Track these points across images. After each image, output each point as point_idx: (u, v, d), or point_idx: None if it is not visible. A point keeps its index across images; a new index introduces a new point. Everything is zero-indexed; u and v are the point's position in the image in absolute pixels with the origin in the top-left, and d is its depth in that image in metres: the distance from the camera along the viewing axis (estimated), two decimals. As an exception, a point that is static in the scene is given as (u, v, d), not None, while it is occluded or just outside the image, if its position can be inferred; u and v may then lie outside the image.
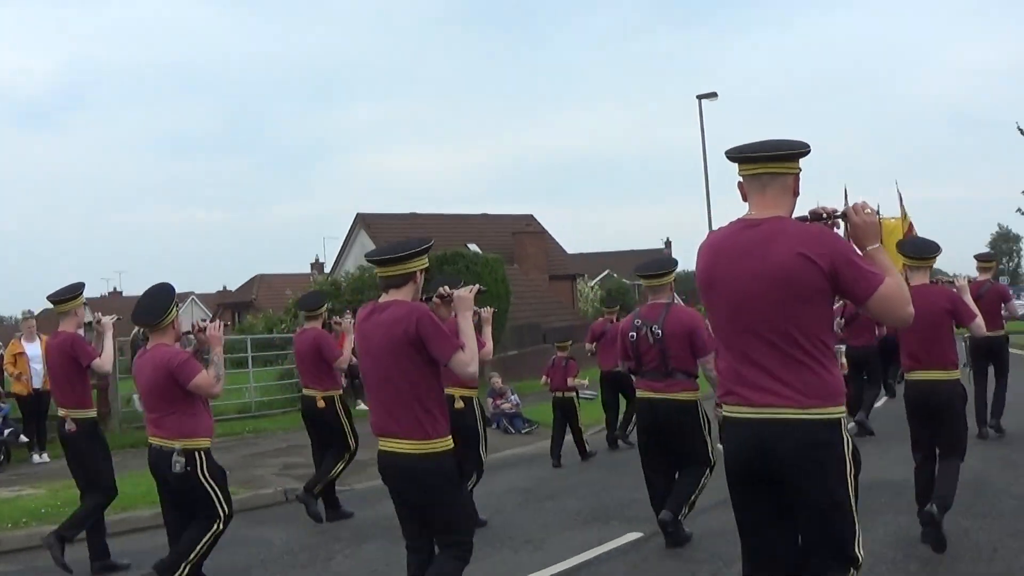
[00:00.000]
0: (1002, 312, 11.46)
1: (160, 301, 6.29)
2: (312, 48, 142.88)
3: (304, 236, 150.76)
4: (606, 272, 61.22)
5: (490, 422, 13.03)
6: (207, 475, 6.20)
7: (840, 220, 3.94)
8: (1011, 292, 12.89)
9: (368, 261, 5.17)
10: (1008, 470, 9.65)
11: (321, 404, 9.06)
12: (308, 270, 56.32)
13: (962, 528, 7.18)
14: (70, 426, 7.38)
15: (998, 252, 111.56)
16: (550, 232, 46.95)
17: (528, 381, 25.13)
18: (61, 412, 7.56)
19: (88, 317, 7.82)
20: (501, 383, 16.18)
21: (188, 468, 6.09)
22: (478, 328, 6.58)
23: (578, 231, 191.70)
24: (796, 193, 3.84)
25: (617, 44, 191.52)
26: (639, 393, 7.44)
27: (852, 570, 3.68)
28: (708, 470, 7.24)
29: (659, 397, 7.14)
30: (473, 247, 25.74)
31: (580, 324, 36.26)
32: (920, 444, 6.95)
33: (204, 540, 6.17)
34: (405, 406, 4.71)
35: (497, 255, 26.37)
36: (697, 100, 31.59)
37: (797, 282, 3.61)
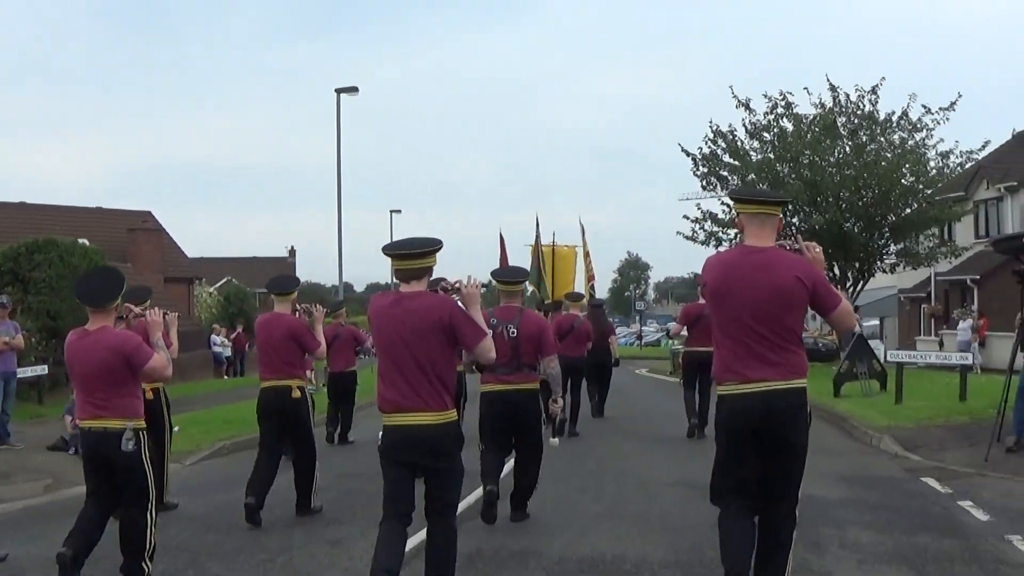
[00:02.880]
0: None
1: (115, 284, 6.36)
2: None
3: None
4: (227, 279, 60.10)
5: (68, 446, 12.53)
6: (146, 454, 6.31)
7: (796, 253, 5.41)
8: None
9: (388, 254, 5.62)
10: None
11: (297, 394, 8.73)
12: None
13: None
14: None
15: (625, 279, 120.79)
16: (170, 233, 45.52)
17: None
18: None
19: None
20: None
21: (136, 447, 6.18)
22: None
23: (202, 236, 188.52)
24: (779, 231, 5.49)
25: (257, 50, 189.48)
26: (489, 387, 8.22)
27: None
28: (540, 455, 8.45)
29: (512, 388, 8.11)
30: (84, 241, 24.20)
31: (195, 330, 35.39)
32: None
33: (148, 532, 6.25)
34: (430, 383, 5.43)
35: (97, 247, 24.40)
36: (336, 94, 30.35)
37: (792, 295, 5.17)
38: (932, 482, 10.25)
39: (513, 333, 8.10)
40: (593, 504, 9.16)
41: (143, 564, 6.22)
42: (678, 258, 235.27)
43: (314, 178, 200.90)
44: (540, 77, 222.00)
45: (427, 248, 5.60)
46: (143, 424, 6.36)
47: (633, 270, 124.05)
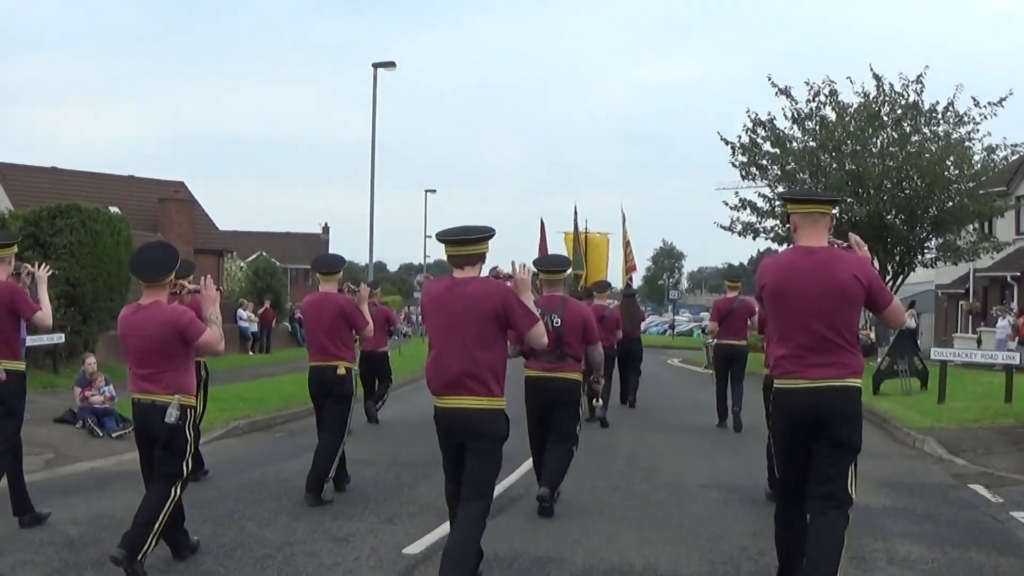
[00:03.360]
0: (748, 324, 13.43)
1: (169, 259, 6.36)
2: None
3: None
4: (259, 253, 59.98)
5: (76, 419, 12.20)
6: (191, 431, 6.26)
7: (847, 250, 5.48)
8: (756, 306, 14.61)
9: (442, 240, 5.65)
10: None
11: (342, 371, 8.67)
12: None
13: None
14: (1, 375, 7.12)
15: (659, 268, 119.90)
16: (202, 204, 45.22)
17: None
18: None
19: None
20: (95, 368, 12.81)
21: (180, 421, 6.12)
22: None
23: (235, 208, 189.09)
24: (831, 230, 5.54)
25: (299, 25, 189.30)
26: (532, 372, 8.22)
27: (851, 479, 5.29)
28: (575, 446, 8.38)
29: (554, 376, 8.14)
30: (115, 210, 23.73)
31: (223, 303, 34.93)
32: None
33: (166, 508, 6.07)
34: (479, 368, 5.47)
35: (123, 215, 23.75)
36: (373, 68, 29.52)
37: (850, 293, 5.25)
38: (981, 489, 9.71)
39: (557, 322, 8.07)
40: (621, 506, 8.66)
41: (148, 538, 5.95)
42: (713, 248, 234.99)
43: (350, 155, 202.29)
44: (576, 62, 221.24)
45: (481, 235, 5.66)
46: (192, 401, 6.29)
47: (667, 259, 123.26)
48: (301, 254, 75.78)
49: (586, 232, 31.62)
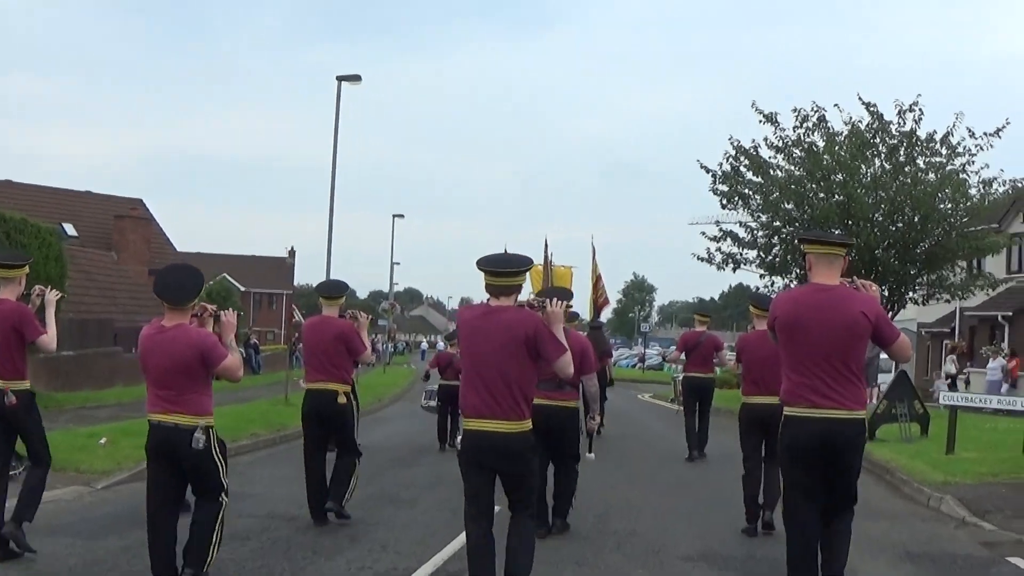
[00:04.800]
0: (714, 359, 14.52)
1: (195, 281, 6.43)
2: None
3: None
4: (221, 275, 58.32)
5: None
6: (218, 451, 6.32)
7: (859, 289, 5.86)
8: (723, 342, 15.96)
9: (484, 270, 5.89)
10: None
11: (343, 400, 8.81)
12: None
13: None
14: (11, 399, 7.12)
15: (630, 300, 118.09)
16: (162, 225, 43.56)
17: (88, 391, 21.92)
18: None
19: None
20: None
21: (207, 445, 6.19)
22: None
23: (202, 231, 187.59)
24: (844, 270, 5.96)
25: (274, 49, 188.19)
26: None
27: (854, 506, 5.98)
28: (576, 467, 8.87)
29: (553, 404, 8.24)
30: (69, 227, 22.07)
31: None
32: (752, 455, 9.12)
33: (219, 517, 6.27)
34: (511, 393, 5.73)
35: (52, 225, 22.41)
36: (337, 81, 27.29)
37: (858, 329, 5.69)
38: (1022, 563, 8.12)
39: None
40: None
41: (211, 550, 6.19)
42: (684, 282, 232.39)
43: (321, 179, 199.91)
44: (551, 91, 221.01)
45: (522, 268, 6.00)
46: (212, 422, 6.33)
47: (638, 291, 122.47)
48: (266, 278, 74.43)
49: (551, 264, 30.96)
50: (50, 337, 7.34)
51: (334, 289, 9.38)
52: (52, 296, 7.61)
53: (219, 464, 6.30)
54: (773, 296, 10.81)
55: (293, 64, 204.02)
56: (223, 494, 6.31)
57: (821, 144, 25.54)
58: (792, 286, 28.63)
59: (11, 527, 7.00)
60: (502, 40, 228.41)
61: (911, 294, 26.44)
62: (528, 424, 5.83)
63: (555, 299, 6.01)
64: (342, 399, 8.73)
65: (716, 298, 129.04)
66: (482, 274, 5.89)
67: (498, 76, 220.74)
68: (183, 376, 6.16)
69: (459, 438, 6.35)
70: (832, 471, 5.76)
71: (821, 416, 5.65)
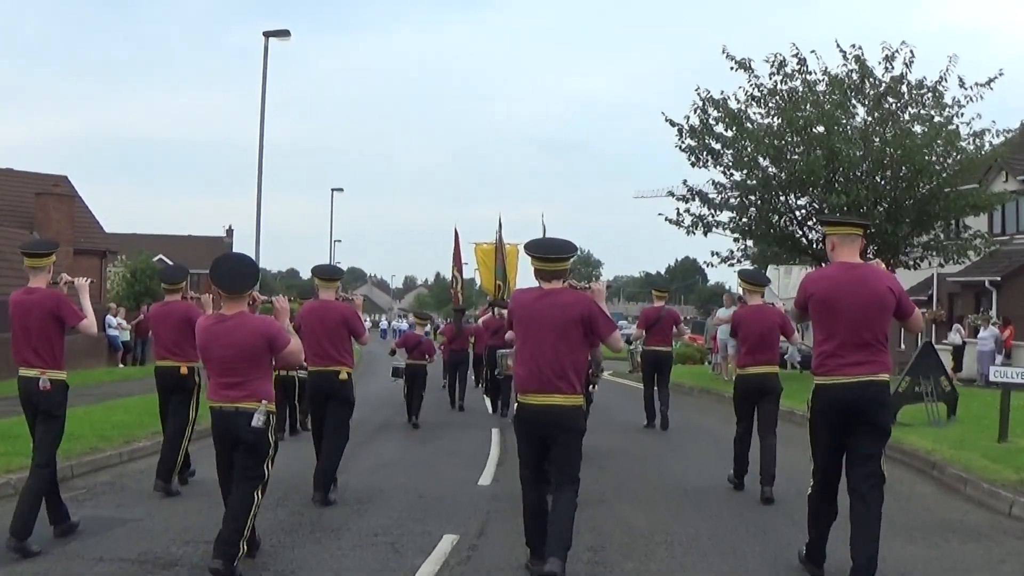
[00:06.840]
0: (672, 332, 15.26)
1: (251, 271, 6.61)
2: None
3: None
4: (158, 256, 55.23)
5: None
6: (273, 436, 6.43)
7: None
8: (680, 316, 16.59)
9: (532, 255, 6.34)
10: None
11: (344, 377, 8.93)
12: None
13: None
14: (45, 385, 7.03)
15: (576, 276, 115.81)
16: (88, 204, 40.29)
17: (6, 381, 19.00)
18: (31, 372, 7.09)
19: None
20: None
21: (266, 426, 6.30)
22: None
23: (136, 211, 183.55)
24: (864, 249, 6.93)
25: (209, 29, 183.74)
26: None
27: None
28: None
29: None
30: None
31: (97, 309, 30.36)
32: (745, 420, 9.77)
33: (252, 511, 6.26)
34: (564, 368, 6.16)
35: None
36: (264, 36, 25.62)
37: (886, 303, 6.22)
38: None
39: None
40: None
41: (241, 543, 6.13)
42: (630, 256, 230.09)
43: (256, 159, 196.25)
44: (492, 69, 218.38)
45: (570, 253, 6.40)
46: (273, 407, 6.41)
47: (584, 267, 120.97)
48: (203, 258, 71.38)
49: (499, 242, 28.96)
50: (90, 321, 7.25)
51: (331, 272, 9.64)
52: (83, 282, 7.56)
53: (270, 449, 6.40)
54: (753, 270, 12.41)
55: (223, 43, 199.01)
56: (260, 487, 6.34)
57: (801, 89, 23.19)
58: (768, 255, 26.44)
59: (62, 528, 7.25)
60: (439, 19, 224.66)
61: (904, 256, 24.14)
62: (580, 399, 6.25)
63: (599, 278, 4.72)
64: (343, 375, 8.90)
65: (663, 271, 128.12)
66: (529, 259, 6.37)
67: (436, 53, 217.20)
68: (248, 363, 6.30)
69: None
70: (865, 431, 6.10)
71: (854, 382, 6.09)
